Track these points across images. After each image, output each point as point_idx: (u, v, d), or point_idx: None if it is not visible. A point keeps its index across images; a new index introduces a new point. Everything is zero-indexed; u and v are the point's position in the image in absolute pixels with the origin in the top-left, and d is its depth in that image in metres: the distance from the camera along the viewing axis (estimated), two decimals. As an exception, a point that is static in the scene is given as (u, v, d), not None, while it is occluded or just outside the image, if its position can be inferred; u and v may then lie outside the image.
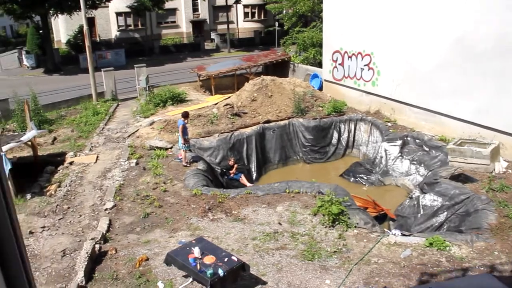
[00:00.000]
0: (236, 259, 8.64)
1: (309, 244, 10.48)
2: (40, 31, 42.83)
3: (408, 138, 17.81)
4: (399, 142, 17.77)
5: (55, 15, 39.99)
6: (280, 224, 11.51)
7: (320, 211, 11.59)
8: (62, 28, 49.94)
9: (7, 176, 13.16)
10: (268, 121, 20.19)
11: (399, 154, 17.53)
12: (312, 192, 12.98)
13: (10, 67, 44.82)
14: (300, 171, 19.76)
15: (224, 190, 13.87)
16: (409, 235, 11.08)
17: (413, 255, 9.89)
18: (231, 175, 17.62)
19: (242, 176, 17.66)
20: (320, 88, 24.42)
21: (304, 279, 9.19)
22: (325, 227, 11.18)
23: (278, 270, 9.53)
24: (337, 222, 11.20)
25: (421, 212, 13.61)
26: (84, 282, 9.20)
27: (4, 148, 13.69)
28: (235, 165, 17.80)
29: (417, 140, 17.47)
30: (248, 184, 17.18)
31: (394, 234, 11.20)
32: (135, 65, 26.72)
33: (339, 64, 22.60)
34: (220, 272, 8.12)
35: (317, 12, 30.91)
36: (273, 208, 12.37)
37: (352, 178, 18.00)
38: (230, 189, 14.28)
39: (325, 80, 24.14)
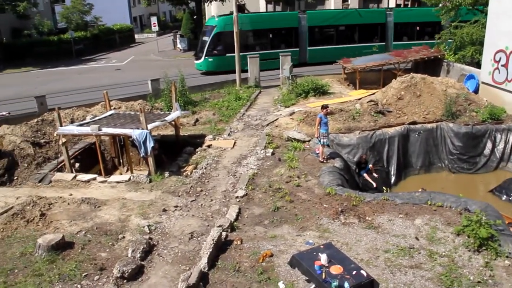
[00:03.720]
0: (365, 274, 7.99)
1: (448, 268, 9.38)
2: (194, 17, 45.20)
3: None
4: None
5: (208, 1, 41.84)
6: (417, 239, 10.51)
7: (465, 232, 10.32)
8: (214, 13, 52.07)
9: (148, 153, 13.96)
10: (414, 123, 18.88)
11: None
12: (458, 208, 11.68)
13: (166, 49, 48.28)
14: (444, 180, 18.20)
15: (360, 192, 13.11)
16: None
17: None
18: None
19: (366, 173, 16.96)
20: (476, 91, 22.21)
21: (440, 308, 8.23)
22: (469, 251, 9.93)
23: (410, 292, 8.67)
24: (484, 247, 9.87)
25: None
26: (206, 269, 9.28)
27: (150, 126, 14.43)
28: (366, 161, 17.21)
29: None
30: (371, 181, 16.57)
31: None
32: (280, 54, 26.73)
33: (502, 66, 20.24)
34: (346, 285, 7.56)
35: (480, 6, 28.07)
36: (411, 220, 11.36)
37: (505, 196, 16.09)
38: (365, 193, 13.47)
39: (483, 83, 21.86)
